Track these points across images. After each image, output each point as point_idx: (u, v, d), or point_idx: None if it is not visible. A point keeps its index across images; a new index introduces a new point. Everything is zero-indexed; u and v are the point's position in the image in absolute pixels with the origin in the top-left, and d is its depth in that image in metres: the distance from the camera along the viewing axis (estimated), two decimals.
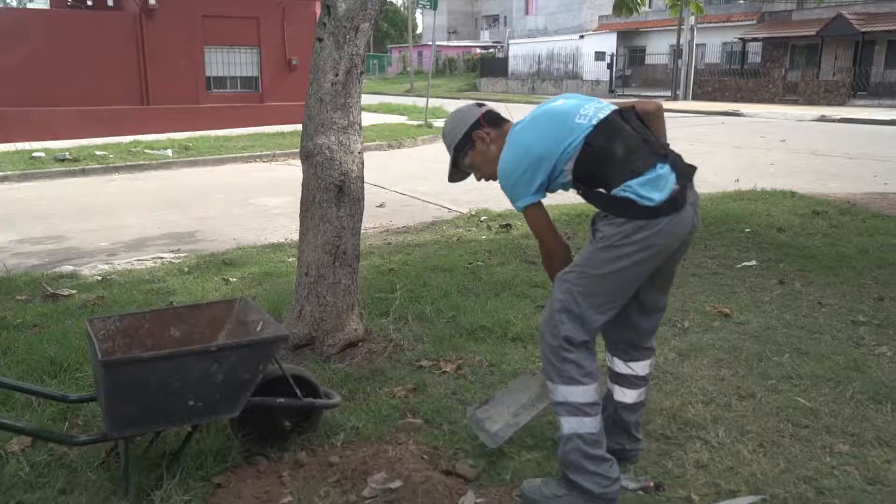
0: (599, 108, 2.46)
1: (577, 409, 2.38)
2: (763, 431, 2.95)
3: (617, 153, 2.35)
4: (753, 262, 5.51)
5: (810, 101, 28.09)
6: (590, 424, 2.38)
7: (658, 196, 2.29)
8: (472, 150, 2.67)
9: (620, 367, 2.73)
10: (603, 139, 2.37)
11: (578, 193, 2.51)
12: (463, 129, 2.66)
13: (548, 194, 2.53)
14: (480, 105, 2.76)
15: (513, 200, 2.52)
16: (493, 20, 62.20)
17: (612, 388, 2.77)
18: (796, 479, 2.62)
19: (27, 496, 2.50)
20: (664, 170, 2.34)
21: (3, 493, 2.51)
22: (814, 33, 29.28)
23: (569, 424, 2.39)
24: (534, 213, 2.50)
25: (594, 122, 2.41)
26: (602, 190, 2.37)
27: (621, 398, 2.72)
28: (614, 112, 2.46)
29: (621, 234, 2.31)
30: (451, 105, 20.54)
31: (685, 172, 2.41)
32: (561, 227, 4.68)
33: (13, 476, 2.61)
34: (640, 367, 2.70)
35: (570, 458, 2.39)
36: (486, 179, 2.73)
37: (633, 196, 2.29)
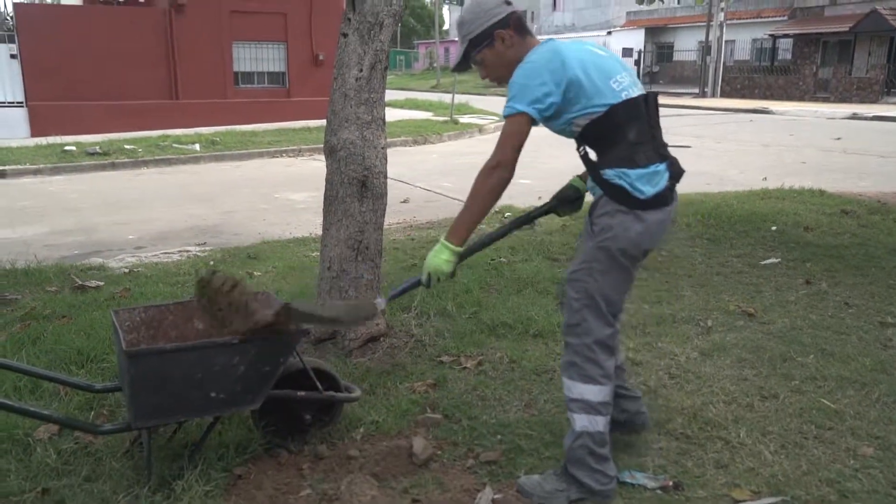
0: (632, 83, 2.43)
1: (591, 408, 2.44)
2: (785, 433, 2.92)
3: (629, 137, 2.36)
4: (776, 260, 5.44)
5: (842, 99, 27.61)
6: (601, 424, 2.45)
7: (650, 190, 2.35)
8: (489, 47, 2.50)
9: None
10: (623, 117, 2.36)
11: (579, 153, 2.48)
12: (486, 23, 2.48)
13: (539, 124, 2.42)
14: (509, 3, 2.55)
15: (510, 98, 2.35)
16: None
17: None
18: (819, 481, 2.59)
19: (54, 483, 2.55)
20: (660, 168, 2.40)
21: (30, 479, 2.57)
22: (847, 29, 28.75)
23: (581, 422, 2.45)
24: (517, 122, 2.34)
25: (624, 95, 2.37)
26: (598, 163, 2.40)
27: None
28: (642, 96, 2.43)
29: (619, 224, 2.35)
30: (478, 101, 20.38)
31: (676, 175, 2.46)
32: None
33: (40, 463, 2.66)
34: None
35: (577, 453, 2.45)
36: (491, 80, 2.60)
37: (626, 185, 2.34)
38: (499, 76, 2.55)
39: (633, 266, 2.47)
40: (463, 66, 2.62)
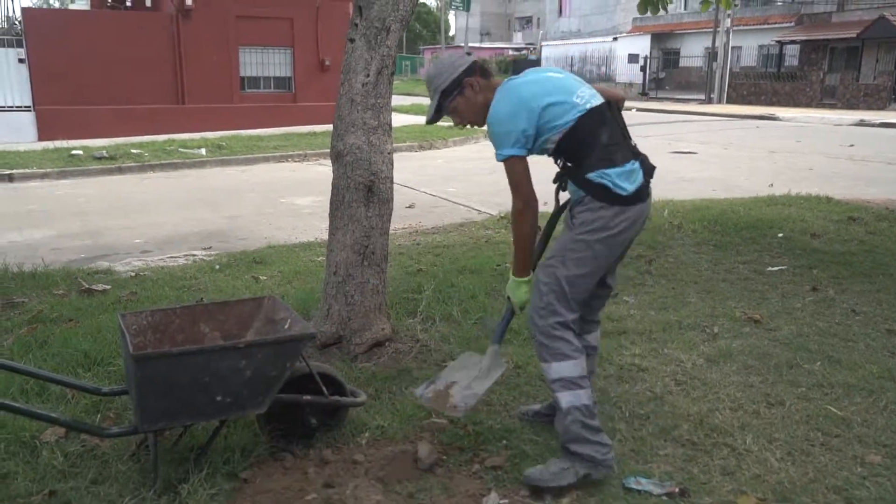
0: (593, 95, 2.63)
1: (571, 383, 2.58)
2: (792, 440, 2.91)
3: (601, 140, 2.56)
4: (783, 267, 5.43)
5: (849, 106, 27.53)
6: (584, 396, 2.59)
7: (630, 187, 2.55)
8: (460, 95, 2.70)
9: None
10: (593, 124, 2.56)
11: (557, 165, 2.70)
12: (453, 74, 2.69)
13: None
14: (469, 54, 2.81)
15: (497, 147, 2.59)
16: (527, 22, 62.06)
17: None
18: (825, 488, 2.58)
19: (60, 485, 2.56)
20: (635, 166, 2.61)
21: (37, 481, 2.58)
22: (854, 35, 28.69)
23: (566, 399, 2.58)
24: (517, 164, 2.58)
25: (588, 106, 2.58)
26: (578, 170, 2.57)
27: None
28: (604, 104, 2.63)
29: (600, 218, 2.54)
30: None
31: (649, 171, 2.67)
32: None
33: (47, 465, 2.67)
34: (593, 338, 2.94)
35: (572, 429, 2.57)
36: (465, 125, 2.81)
37: (609, 184, 2.52)
38: (471, 120, 2.77)
39: (608, 259, 2.63)
40: (437, 117, 2.80)
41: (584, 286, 2.63)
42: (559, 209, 2.90)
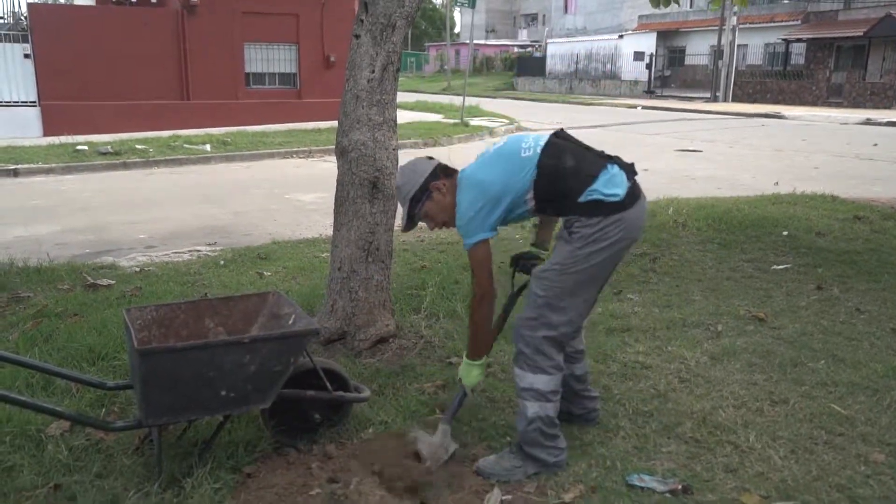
0: (538, 138, 2.67)
1: (541, 396, 2.63)
2: (795, 438, 2.91)
3: (569, 166, 2.57)
4: (787, 265, 5.42)
5: (855, 104, 27.43)
6: (551, 409, 2.64)
7: (620, 191, 2.54)
8: (429, 200, 2.74)
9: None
10: (552, 160, 2.58)
11: (547, 214, 2.73)
12: (419, 180, 2.73)
13: (506, 227, 2.69)
14: (431, 158, 2.85)
15: (465, 237, 2.64)
16: (532, 19, 61.94)
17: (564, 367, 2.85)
18: (829, 486, 2.58)
19: (65, 478, 2.57)
20: (614, 169, 2.59)
21: (42, 474, 2.59)
22: (861, 34, 28.57)
23: (533, 409, 2.63)
24: (481, 249, 2.62)
25: (538, 149, 2.60)
26: (569, 203, 2.56)
27: (571, 371, 2.89)
28: (552, 136, 2.68)
29: (599, 229, 2.52)
30: (488, 104, 20.46)
31: (630, 169, 2.65)
32: None
33: (52, 459, 2.69)
34: (578, 342, 2.92)
35: (531, 436, 2.64)
36: (440, 227, 2.83)
37: (599, 197, 2.52)
38: (444, 220, 2.79)
39: (606, 269, 2.64)
40: (410, 225, 2.83)
41: (582, 301, 2.63)
42: (516, 294, 2.98)
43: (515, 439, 2.74)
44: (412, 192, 2.73)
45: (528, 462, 2.66)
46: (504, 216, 2.63)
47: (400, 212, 2.90)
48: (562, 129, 2.76)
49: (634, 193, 2.59)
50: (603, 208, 2.51)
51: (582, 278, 2.57)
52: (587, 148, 2.68)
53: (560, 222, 2.71)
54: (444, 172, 2.76)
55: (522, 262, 2.97)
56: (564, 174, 2.56)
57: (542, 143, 2.62)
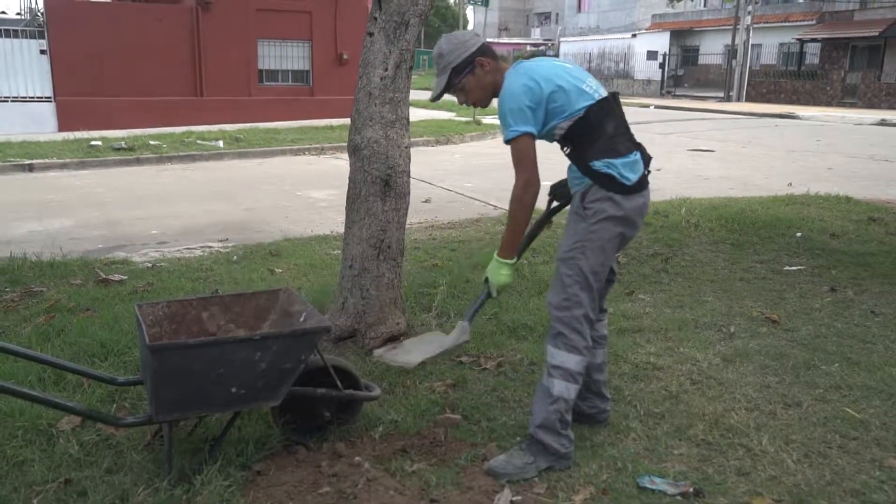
0: (599, 87, 2.72)
1: (570, 375, 2.65)
2: (809, 441, 2.88)
3: (607, 131, 2.63)
4: (801, 267, 5.37)
5: (870, 105, 27.21)
6: (574, 391, 2.68)
7: (633, 176, 2.62)
8: (471, 74, 2.72)
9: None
10: (600, 115, 2.63)
11: (564, 151, 2.72)
12: (465, 52, 2.71)
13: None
14: (477, 35, 2.84)
15: (509, 125, 2.59)
16: (545, 17, 61.80)
17: None
18: (843, 491, 2.55)
19: (76, 473, 2.58)
20: (637, 157, 2.67)
21: (53, 469, 2.60)
22: (877, 34, 28.36)
23: (559, 387, 2.65)
24: (526, 142, 2.59)
25: (596, 96, 2.65)
26: (584, 157, 2.61)
27: (592, 360, 2.84)
28: (610, 95, 2.71)
29: (611, 205, 2.59)
30: None
31: (648, 161, 2.73)
32: None
33: (63, 453, 2.69)
34: (602, 326, 2.95)
35: (551, 417, 2.64)
36: (470, 104, 2.83)
37: (615, 174, 2.58)
38: (478, 98, 2.81)
39: (621, 244, 2.70)
40: (443, 93, 2.81)
41: (603, 274, 2.69)
42: (550, 212, 3.05)
43: (528, 429, 2.72)
44: (456, 62, 2.70)
45: (539, 456, 2.65)
46: (544, 122, 2.62)
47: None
48: (617, 93, 2.76)
49: (644, 182, 2.66)
50: (613, 185, 2.58)
51: (601, 252, 2.62)
52: (627, 126, 2.71)
53: (572, 197, 2.75)
54: (491, 53, 2.75)
55: (561, 190, 2.98)
56: (601, 134, 2.61)
57: (602, 93, 2.67)
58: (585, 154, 2.62)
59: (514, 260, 2.76)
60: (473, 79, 2.74)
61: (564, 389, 2.64)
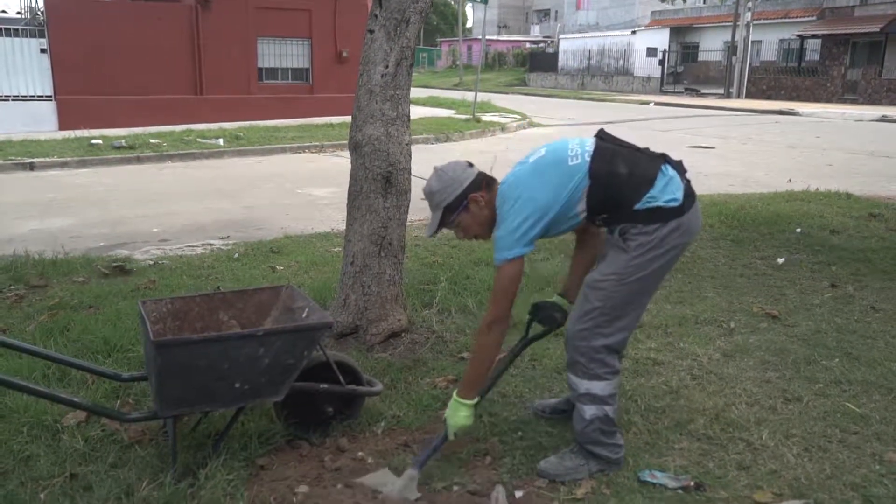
0: (583, 142, 2.52)
1: (597, 399, 2.56)
2: (809, 436, 2.89)
3: (623, 173, 2.43)
4: (794, 256, 5.40)
5: (871, 101, 27.20)
6: (609, 410, 2.58)
7: (679, 194, 2.43)
8: (465, 211, 2.58)
9: None
10: (604, 166, 2.44)
11: (600, 226, 2.57)
12: (457, 189, 2.56)
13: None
14: (471, 165, 2.65)
15: (500, 250, 2.45)
16: (544, 15, 61.75)
17: None
18: (843, 485, 2.57)
19: (81, 468, 2.60)
20: (669, 171, 2.48)
21: (58, 464, 2.62)
22: (878, 30, 28.30)
23: (590, 411, 2.57)
24: (513, 267, 2.44)
25: (586, 156, 2.46)
26: (624, 212, 2.43)
27: None
28: (596, 139, 2.54)
29: (658, 237, 2.42)
30: (500, 99, 20.33)
31: (681, 167, 2.55)
32: None
33: (68, 449, 2.71)
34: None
35: (592, 436, 2.59)
36: (470, 239, 2.71)
37: (660, 204, 2.41)
38: (476, 234, 2.65)
39: (663, 275, 2.56)
40: (437, 231, 2.66)
41: (643, 304, 2.56)
42: (527, 341, 2.90)
43: (574, 438, 2.67)
44: (448, 201, 2.56)
45: (590, 460, 2.61)
46: (546, 229, 2.47)
47: (422, 212, 2.77)
48: (602, 130, 2.61)
49: (691, 195, 2.48)
50: (662, 215, 2.40)
51: (639, 287, 2.47)
52: (637, 149, 2.54)
53: (607, 231, 2.57)
54: (486, 183, 2.59)
55: (544, 313, 2.83)
56: (619, 182, 2.42)
57: (589, 147, 2.48)
58: (623, 208, 2.43)
59: (476, 401, 2.59)
60: (468, 216, 2.58)
61: (597, 411, 2.55)
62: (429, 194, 2.63)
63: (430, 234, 2.69)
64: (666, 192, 2.42)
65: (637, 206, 2.41)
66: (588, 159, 2.45)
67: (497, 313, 2.48)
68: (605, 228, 2.57)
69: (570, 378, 2.61)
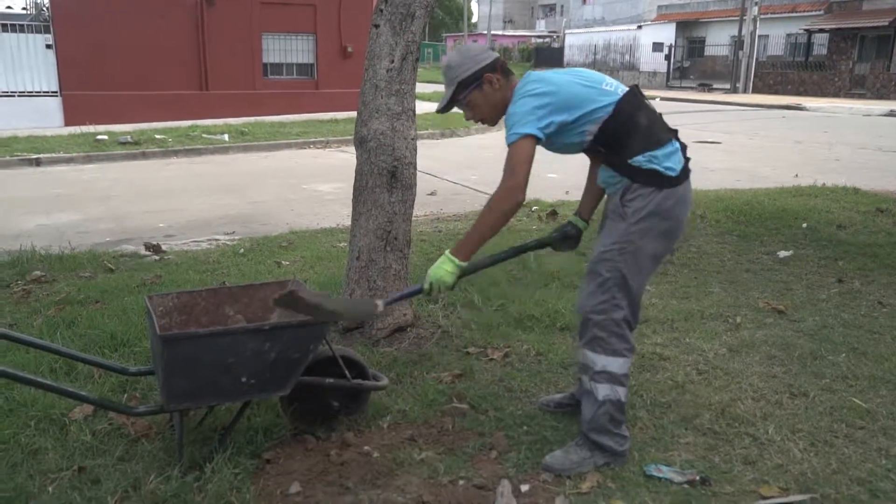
0: (618, 84, 2.62)
1: (613, 378, 2.57)
2: (815, 430, 2.89)
3: (642, 124, 2.52)
4: (790, 252, 5.39)
5: (879, 96, 27.05)
6: (622, 393, 2.60)
7: (677, 167, 2.52)
8: (478, 89, 2.61)
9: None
10: (631, 108, 2.53)
11: (594, 157, 2.69)
12: (474, 67, 2.60)
13: (540, 145, 2.52)
14: (493, 50, 2.72)
15: (512, 127, 2.46)
16: (550, 9, 61.59)
17: None
18: (849, 480, 2.56)
19: (89, 461, 2.61)
20: (676, 145, 2.58)
21: (66, 457, 2.64)
22: (886, 23, 28.12)
23: (604, 391, 2.58)
24: (526, 144, 2.44)
25: (620, 92, 2.56)
26: (622, 156, 2.51)
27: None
28: (633, 87, 2.62)
29: (653, 203, 2.48)
30: None
31: (685, 148, 2.63)
32: None
33: (76, 442, 2.73)
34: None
35: (600, 420, 2.59)
36: (477, 121, 2.72)
37: (659, 168, 2.48)
38: (484, 116, 2.68)
39: (667, 243, 2.59)
40: (449, 107, 2.69)
41: (645, 277, 2.59)
42: (538, 242, 2.93)
43: (581, 429, 2.67)
44: (463, 77, 2.59)
45: (595, 452, 2.61)
46: (556, 131, 2.48)
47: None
48: (636, 86, 2.64)
49: (686, 172, 2.56)
50: (657, 180, 2.47)
51: (642, 253, 2.51)
52: (659, 115, 2.61)
53: (608, 197, 2.66)
54: (503, 69, 2.63)
55: (560, 243, 2.91)
56: (635, 128, 2.50)
57: (623, 88, 2.57)
58: (623, 152, 2.50)
59: (464, 265, 2.54)
60: (480, 94, 2.62)
61: (610, 391, 2.57)
62: (446, 68, 2.66)
63: (440, 110, 2.71)
64: (667, 160, 2.50)
65: (636, 160, 2.48)
66: (620, 94, 2.54)
67: (514, 182, 2.44)
68: (608, 192, 2.66)
69: (586, 356, 2.59)
